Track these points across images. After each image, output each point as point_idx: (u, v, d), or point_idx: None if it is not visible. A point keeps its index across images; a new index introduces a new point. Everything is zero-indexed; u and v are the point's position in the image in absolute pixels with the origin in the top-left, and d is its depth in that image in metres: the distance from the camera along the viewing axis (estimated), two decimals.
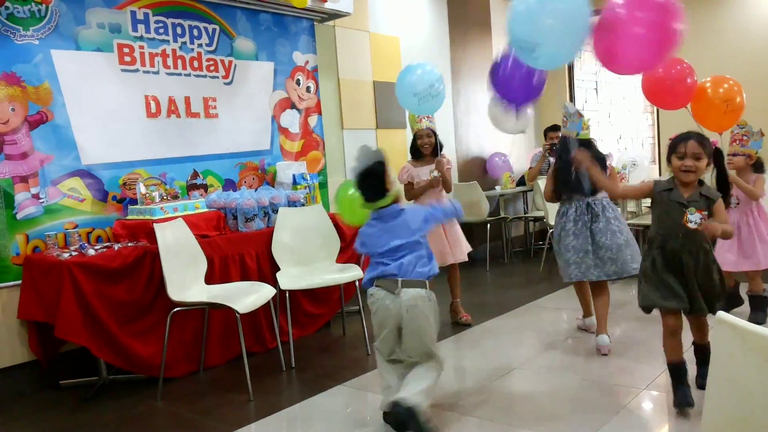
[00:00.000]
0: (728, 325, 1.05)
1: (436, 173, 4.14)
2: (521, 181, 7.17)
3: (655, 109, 7.38)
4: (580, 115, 3.81)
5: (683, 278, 2.69)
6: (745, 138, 3.90)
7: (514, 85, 3.17)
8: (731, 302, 4.06)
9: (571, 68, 8.10)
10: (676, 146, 2.68)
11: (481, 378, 3.33)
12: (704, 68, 5.76)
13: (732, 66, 6.59)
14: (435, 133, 4.32)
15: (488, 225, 6.53)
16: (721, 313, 1.08)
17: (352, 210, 3.11)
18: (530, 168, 6.70)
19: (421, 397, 2.53)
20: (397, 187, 2.85)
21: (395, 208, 2.77)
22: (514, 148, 7.54)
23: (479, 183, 6.33)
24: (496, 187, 7.00)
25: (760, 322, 3.85)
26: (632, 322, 4.10)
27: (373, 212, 2.81)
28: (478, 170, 7.04)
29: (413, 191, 4.30)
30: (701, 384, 2.84)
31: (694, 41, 6.82)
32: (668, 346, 2.77)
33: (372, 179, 2.74)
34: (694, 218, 2.57)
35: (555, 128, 6.92)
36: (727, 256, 3.92)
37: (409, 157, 4.46)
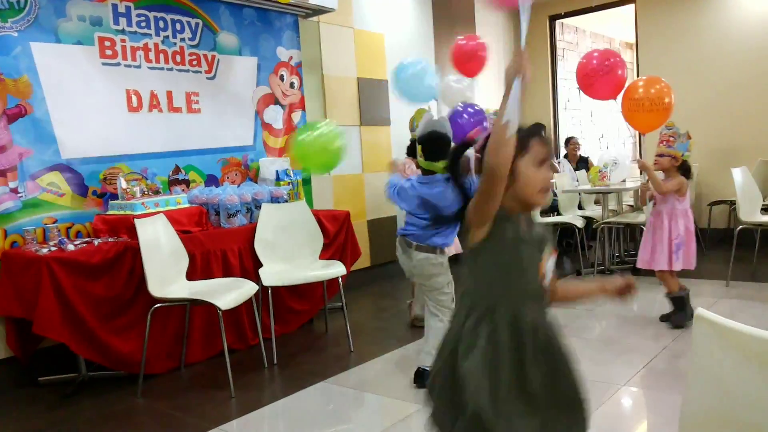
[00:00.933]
0: (707, 321, 1.06)
1: None
2: None
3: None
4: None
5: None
6: (671, 139, 3.88)
7: None
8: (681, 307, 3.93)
9: (554, 67, 8.15)
10: (528, 144, 1.54)
11: None
12: (683, 69, 5.87)
13: (711, 67, 6.68)
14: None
15: None
16: (700, 310, 1.09)
17: (305, 154, 3.12)
18: None
19: (429, 358, 2.93)
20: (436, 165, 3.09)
21: (441, 177, 3.04)
22: None
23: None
24: None
25: (679, 326, 3.83)
26: (611, 319, 4.14)
27: (423, 173, 3.15)
28: (463, 167, 7.05)
29: None
30: None
31: (673, 42, 6.89)
32: None
33: (439, 142, 3.05)
34: (550, 265, 1.56)
35: (537, 127, 6.97)
36: (642, 255, 4.03)
37: (396, 155, 4.48)
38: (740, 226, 4.85)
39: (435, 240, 3.09)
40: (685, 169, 3.92)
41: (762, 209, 5.20)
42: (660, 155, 3.89)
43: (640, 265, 4.07)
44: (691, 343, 1.15)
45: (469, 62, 5.10)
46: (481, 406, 1.39)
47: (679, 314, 3.88)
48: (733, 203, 5.81)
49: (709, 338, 1.07)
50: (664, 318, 3.98)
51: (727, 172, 5.09)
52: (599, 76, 4.21)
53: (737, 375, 1.01)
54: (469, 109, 4.40)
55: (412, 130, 4.98)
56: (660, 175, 3.94)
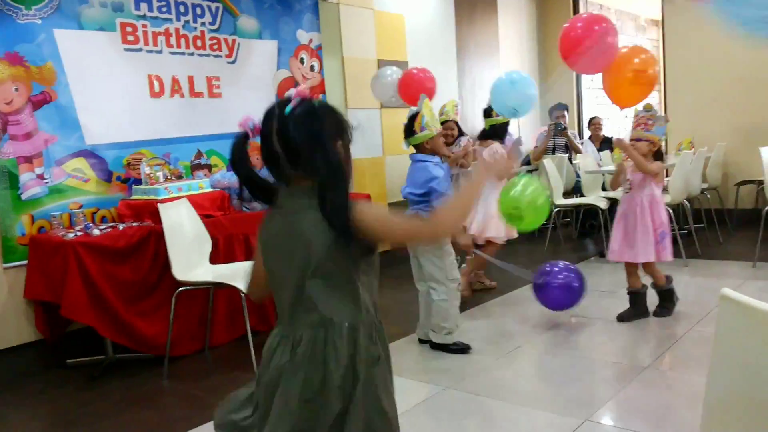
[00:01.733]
0: (732, 301, 1.04)
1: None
2: (526, 161, 7.13)
3: (662, 86, 7.30)
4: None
5: None
6: (650, 122, 3.59)
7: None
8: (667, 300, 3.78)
9: None
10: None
11: (484, 356, 3.34)
12: (710, 46, 5.72)
13: (738, 43, 6.50)
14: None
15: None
16: (725, 290, 1.07)
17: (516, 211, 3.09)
18: (535, 147, 6.67)
19: (436, 336, 3.42)
20: (426, 134, 3.36)
21: (416, 156, 3.40)
22: (520, 127, 7.49)
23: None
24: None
25: (663, 315, 3.68)
26: None
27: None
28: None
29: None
30: None
31: (700, 19, 6.72)
32: None
33: (407, 120, 3.41)
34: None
35: (560, 107, 6.87)
36: (612, 246, 3.76)
37: None
38: None
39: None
40: (659, 155, 3.67)
41: None
42: (637, 139, 3.59)
43: (611, 257, 3.78)
44: (716, 324, 1.13)
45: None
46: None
47: (669, 305, 3.73)
48: (761, 183, 5.68)
49: (734, 319, 1.05)
50: (624, 315, 3.73)
51: (755, 151, 4.99)
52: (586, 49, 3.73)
53: (762, 355, 1.00)
54: None
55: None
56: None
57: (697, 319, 3.63)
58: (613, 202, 5.99)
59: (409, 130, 3.42)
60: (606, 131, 7.49)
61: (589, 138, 7.27)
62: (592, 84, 8.80)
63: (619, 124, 9.60)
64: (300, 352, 1.38)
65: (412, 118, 3.41)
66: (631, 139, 3.63)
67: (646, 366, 3.04)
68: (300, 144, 1.34)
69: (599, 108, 8.90)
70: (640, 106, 3.67)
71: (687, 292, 4.02)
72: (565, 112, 6.83)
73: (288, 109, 1.36)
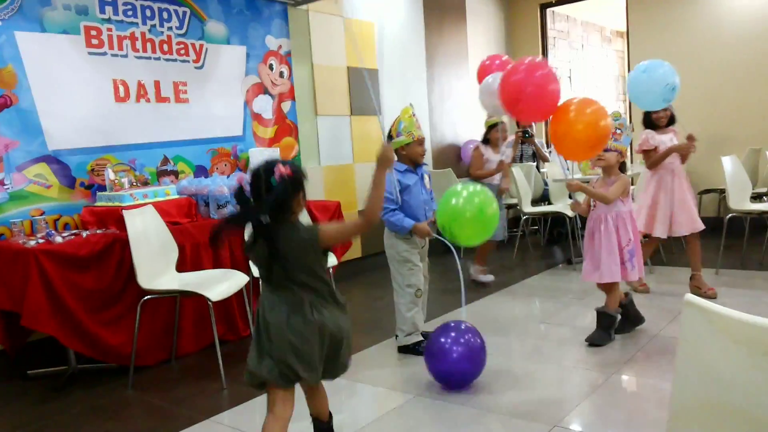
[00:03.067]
0: (696, 307, 1.06)
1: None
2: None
3: (627, 96, 7.43)
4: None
5: None
6: (618, 132, 3.41)
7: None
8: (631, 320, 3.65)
9: (545, 56, 8.13)
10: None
11: None
12: (673, 59, 5.84)
13: (701, 57, 6.68)
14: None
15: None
16: (689, 296, 1.09)
17: (458, 222, 2.96)
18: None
19: (398, 339, 3.57)
20: (402, 140, 3.39)
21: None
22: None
23: (453, 170, 6.33)
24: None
25: (596, 344, 3.43)
26: None
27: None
28: (453, 157, 7.05)
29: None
30: None
31: (664, 31, 6.89)
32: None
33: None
34: None
35: None
36: (586, 266, 3.56)
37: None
38: (730, 215, 4.87)
39: (389, 220, 3.40)
40: (622, 165, 3.54)
41: (751, 197, 5.23)
42: (606, 149, 3.38)
43: (585, 278, 3.57)
44: (680, 329, 1.15)
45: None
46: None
47: (601, 333, 3.49)
48: (722, 191, 5.83)
49: (698, 324, 1.06)
50: (619, 329, 3.59)
51: (717, 161, 5.10)
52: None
53: (726, 360, 1.01)
54: None
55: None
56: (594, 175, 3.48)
57: (662, 325, 3.69)
58: None
59: (389, 135, 3.43)
60: None
61: None
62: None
63: None
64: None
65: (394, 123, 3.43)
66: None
67: (613, 372, 3.08)
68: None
69: None
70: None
71: (653, 298, 4.08)
72: (533, 122, 6.90)
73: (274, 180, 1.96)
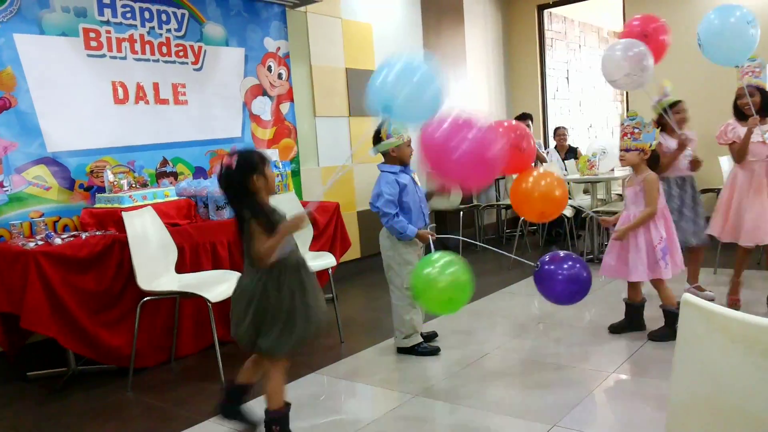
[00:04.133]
0: (693, 307, 1.07)
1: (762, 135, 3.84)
2: None
3: (624, 97, 7.46)
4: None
5: None
6: (636, 131, 3.46)
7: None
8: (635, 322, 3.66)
9: (542, 57, 8.14)
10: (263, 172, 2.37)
11: (452, 363, 3.36)
12: (670, 59, 5.83)
13: (698, 57, 6.68)
14: (761, 90, 3.91)
15: (461, 213, 6.56)
16: (686, 295, 1.10)
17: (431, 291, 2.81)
18: None
19: (396, 340, 3.57)
20: (392, 141, 3.39)
21: (380, 165, 3.48)
22: None
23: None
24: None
25: (615, 330, 3.62)
26: (600, 307, 4.16)
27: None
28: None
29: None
30: None
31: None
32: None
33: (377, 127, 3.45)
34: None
35: (524, 116, 6.97)
36: (606, 260, 3.61)
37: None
38: None
39: (388, 225, 3.43)
40: (653, 161, 3.57)
41: None
42: (626, 150, 3.47)
43: (605, 273, 3.62)
44: (678, 329, 1.15)
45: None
46: None
47: (668, 330, 3.48)
48: (720, 191, 5.83)
49: (695, 323, 1.08)
50: (616, 326, 3.67)
51: (715, 161, 5.12)
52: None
53: (723, 359, 1.02)
54: None
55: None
56: (625, 171, 3.38)
57: (660, 324, 3.70)
58: (578, 211, 6.10)
59: (377, 137, 3.44)
60: (571, 141, 7.62)
61: (555, 148, 7.38)
62: (558, 94, 8.97)
63: (583, 134, 9.79)
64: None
65: (382, 125, 3.42)
66: (621, 150, 3.51)
67: (611, 371, 3.09)
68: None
69: (564, 118, 9.07)
70: (624, 115, 3.56)
71: (651, 298, 4.08)
72: (530, 122, 6.93)
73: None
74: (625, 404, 2.79)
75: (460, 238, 3.78)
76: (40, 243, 3.29)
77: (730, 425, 1.04)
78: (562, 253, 3.23)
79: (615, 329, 3.64)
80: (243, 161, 2.30)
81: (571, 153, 7.25)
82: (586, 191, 6.71)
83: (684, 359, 1.14)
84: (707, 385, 1.08)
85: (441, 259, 2.75)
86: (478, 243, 3.58)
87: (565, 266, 3.16)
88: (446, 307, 2.83)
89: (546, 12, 8.17)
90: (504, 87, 8.10)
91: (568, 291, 3.18)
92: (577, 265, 3.16)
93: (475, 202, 6.99)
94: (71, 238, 3.40)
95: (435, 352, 3.51)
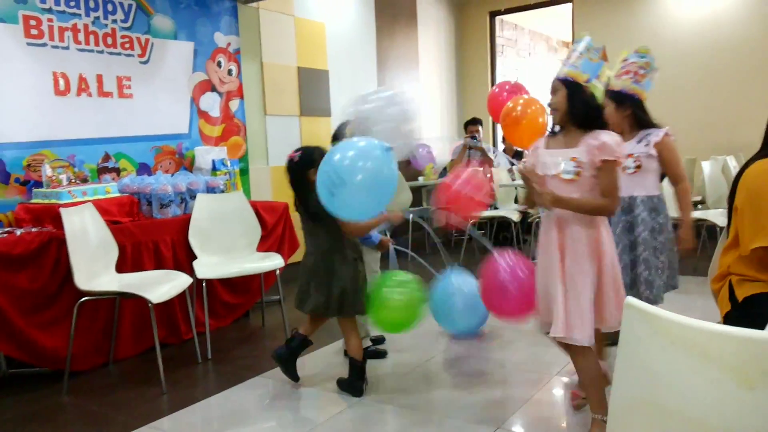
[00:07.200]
0: (636, 309, 1.08)
1: None
2: (444, 173, 7.27)
3: None
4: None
5: None
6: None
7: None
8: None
9: (493, 63, 8.26)
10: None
11: (400, 367, 3.35)
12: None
13: None
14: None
15: (410, 216, 6.58)
16: (629, 299, 1.12)
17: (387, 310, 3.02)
18: (452, 160, 6.80)
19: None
20: None
21: None
22: (438, 140, 7.63)
23: (402, 173, 6.34)
24: (419, 178, 7.06)
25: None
26: None
27: None
28: (402, 161, 7.07)
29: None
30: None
31: (608, 42, 7.09)
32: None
33: (337, 128, 3.50)
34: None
35: (474, 122, 7.06)
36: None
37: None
38: None
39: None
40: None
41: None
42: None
43: None
44: (621, 331, 1.17)
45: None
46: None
47: None
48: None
49: (638, 325, 1.09)
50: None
51: (696, 164, 5.25)
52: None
53: (664, 360, 1.04)
54: None
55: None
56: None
57: None
58: (525, 216, 6.20)
59: (339, 136, 3.38)
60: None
61: (503, 151, 7.49)
62: None
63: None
64: None
65: (344, 125, 3.38)
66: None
67: (555, 373, 3.14)
68: None
69: None
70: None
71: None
72: (480, 127, 7.02)
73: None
74: (568, 406, 2.84)
75: (409, 252, 3.73)
76: None
77: (669, 425, 1.06)
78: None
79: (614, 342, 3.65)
80: (303, 157, 2.89)
81: (518, 157, 7.36)
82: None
83: (626, 362, 1.15)
84: (648, 387, 1.09)
85: (400, 281, 3.00)
86: (409, 252, 3.58)
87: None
88: (396, 328, 3.08)
89: (498, 19, 8.30)
90: (455, 91, 8.18)
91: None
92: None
93: (425, 206, 7.02)
94: (5, 235, 3.24)
95: (382, 355, 3.49)
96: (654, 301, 2.72)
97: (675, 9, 6.83)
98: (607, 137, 2.24)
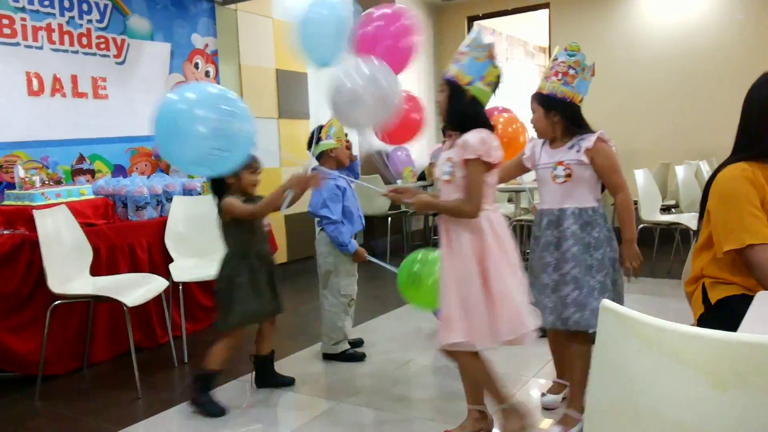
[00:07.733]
0: (612, 312, 1.10)
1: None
2: (422, 176, 7.29)
3: None
4: (594, 73, 2.51)
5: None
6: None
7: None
8: None
9: None
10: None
11: (376, 370, 3.35)
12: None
13: (616, 73, 7.01)
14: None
15: (389, 219, 6.59)
16: (605, 302, 1.13)
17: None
18: (431, 163, 6.82)
19: (324, 346, 3.53)
20: (330, 143, 3.35)
21: (318, 169, 3.25)
22: (416, 143, 7.65)
23: (381, 177, 6.37)
24: (398, 181, 7.07)
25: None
26: None
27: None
28: (380, 165, 7.09)
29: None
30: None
31: (583, 48, 7.18)
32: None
33: (315, 130, 3.39)
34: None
35: None
36: None
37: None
38: (641, 225, 5.12)
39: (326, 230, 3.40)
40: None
41: (661, 209, 5.51)
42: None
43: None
44: (597, 334, 1.18)
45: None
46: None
47: None
48: (634, 203, 6.10)
49: (613, 328, 1.10)
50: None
51: (629, 174, 5.33)
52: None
53: (638, 362, 1.05)
54: None
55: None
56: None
57: None
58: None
59: (315, 138, 3.37)
60: None
61: None
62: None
63: None
64: None
65: (320, 128, 3.38)
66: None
67: (531, 375, 3.16)
68: None
69: None
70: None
71: None
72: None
73: None
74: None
75: (391, 267, 3.57)
76: None
77: (643, 426, 1.08)
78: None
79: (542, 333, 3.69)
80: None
81: None
82: (510, 200, 6.87)
83: (601, 364, 1.17)
84: (624, 388, 1.11)
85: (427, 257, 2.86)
86: (373, 259, 3.51)
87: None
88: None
89: (475, 23, 8.34)
90: (433, 95, 8.20)
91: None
92: None
93: (403, 209, 7.03)
94: None
95: (361, 358, 3.49)
96: (586, 326, 2.44)
97: (650, 15, 6.94)
98: (471, 135, 2.18)
